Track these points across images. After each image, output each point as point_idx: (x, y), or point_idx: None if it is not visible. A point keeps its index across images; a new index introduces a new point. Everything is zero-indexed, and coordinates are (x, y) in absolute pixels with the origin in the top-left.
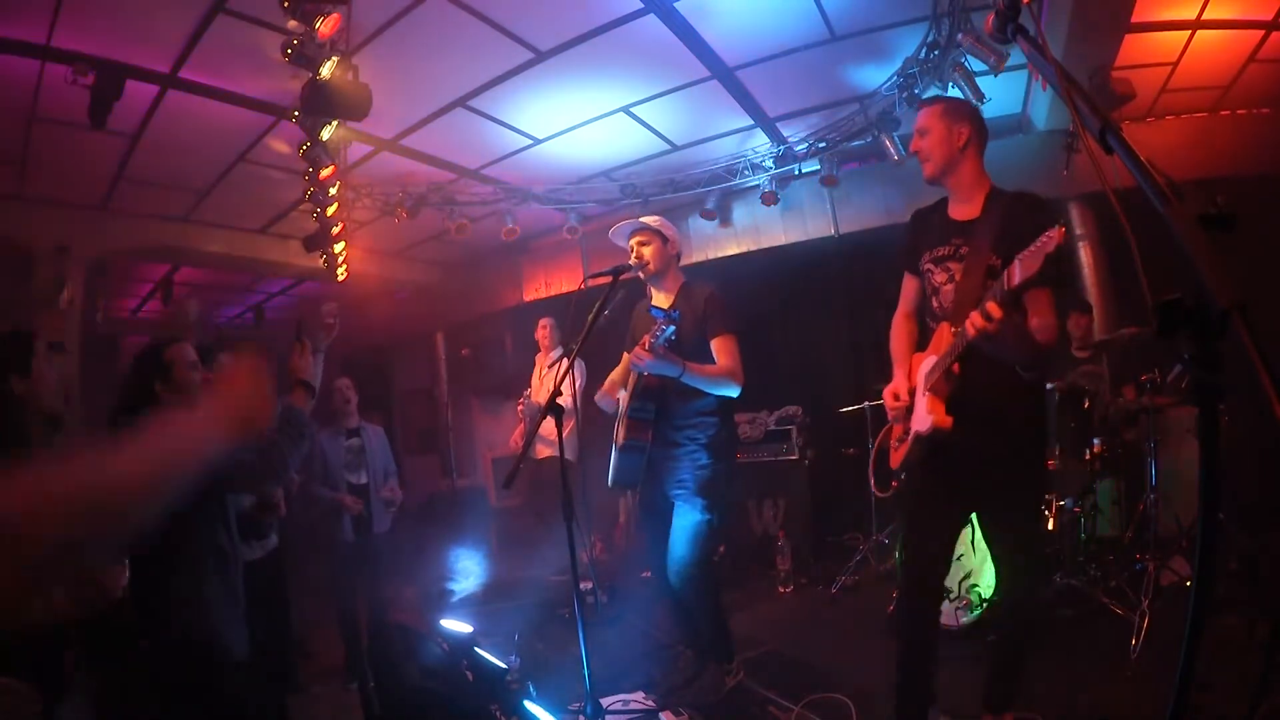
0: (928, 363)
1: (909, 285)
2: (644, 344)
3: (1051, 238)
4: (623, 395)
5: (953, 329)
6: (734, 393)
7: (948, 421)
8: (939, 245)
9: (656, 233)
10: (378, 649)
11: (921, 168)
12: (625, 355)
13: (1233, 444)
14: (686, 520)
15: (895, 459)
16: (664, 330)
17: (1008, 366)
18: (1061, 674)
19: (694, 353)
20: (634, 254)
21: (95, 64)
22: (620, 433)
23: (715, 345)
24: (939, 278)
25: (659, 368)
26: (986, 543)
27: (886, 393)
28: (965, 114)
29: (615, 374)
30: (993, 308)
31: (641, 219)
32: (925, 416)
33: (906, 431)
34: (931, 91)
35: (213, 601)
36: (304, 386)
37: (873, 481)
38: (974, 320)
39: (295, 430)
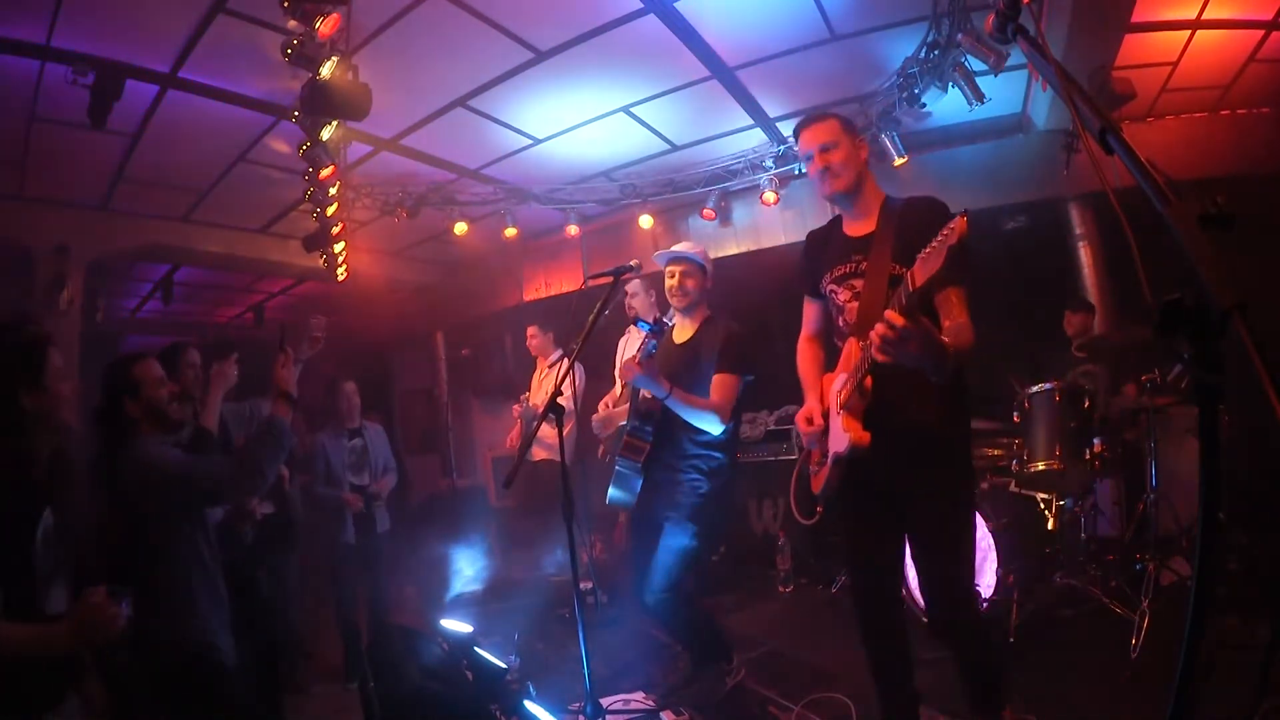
0: (838, 381)
1: (810, 309)
2: (635, 357)
3: (953, 229)
4: (623, 416)
5: (860, 343)
6: (716, 429)
7: (865, 438)
8: (839, 264)
9: (700, 266)
10: (378, 649)
11: (823, 185)
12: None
13: (1233, 443)
14: (673, 543)
15: (817, 484)
16: (647, 345)
17: (920, 376)
18: (1061, 674)
19: (702, 383)
20: (675, 280)
21: (95, 64)
22: (618, 451)
23: (716, 379)
24: (842, 296)
25: (645, 384)
26: (913, 558)
27: (799, 418)
28: (858, 130)
29: (611, 395)
30: (893, 315)
31: (685, 249)
32: (842, 436)
33: (825, 455)
34: (932, 92)
35: (200, 610)
36: (285, 398)
37: (795, 510)
38: (877, 330)
39: (274, 440)
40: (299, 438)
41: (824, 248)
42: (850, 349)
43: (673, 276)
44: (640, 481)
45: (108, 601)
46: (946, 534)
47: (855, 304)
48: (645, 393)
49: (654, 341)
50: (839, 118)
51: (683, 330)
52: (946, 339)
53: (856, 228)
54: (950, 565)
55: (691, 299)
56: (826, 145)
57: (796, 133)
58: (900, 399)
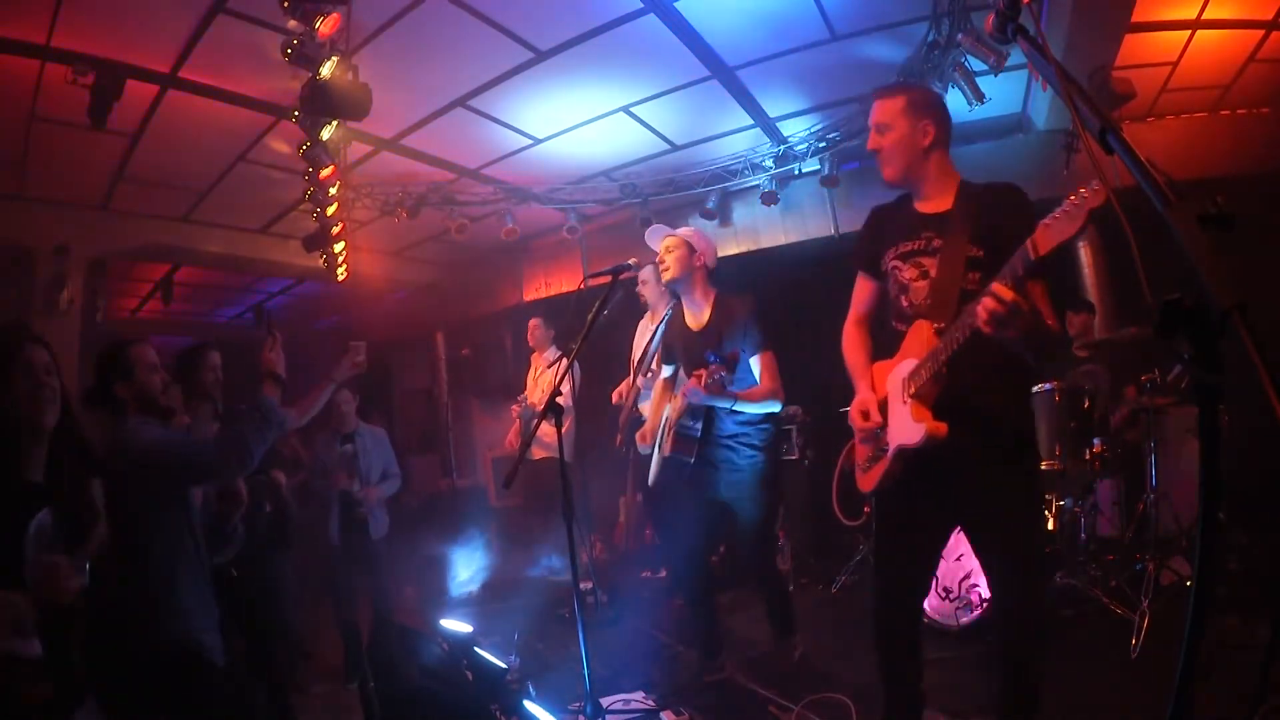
0: (904, 366)
1: (864, 288)
2: (700, 378)
3: (1097, 190)
4: (669, 406)
5: (935, 326)
6: (777, 409)
7: (942, 429)
8: (906, 240)
9: (685, 242)
10: (378, 649)
11: (880, 168)
12: (659, 365)
13: (1233, 444)
14: (753, 517)
15: (866, 482)
16: (719, 375)
17: (998, 364)
18: (1061, 674)
19: (734, 361)
20: (660, 255)
21: (95, 64)
22: (666, 443)
23: (759, 362)
24: (908, 274)
25: (712, 401)
26: (976, 554)
27: (854, 411)
28: (931, 108)
29: (653, 402)
30: (1001, 289)
31: (678, 230)
32: (913, 426)
33: (878, 451)
34: None
35: (186, 607)
36: (273, 378)
37: (838, 510)
38: (985, 304)
39: (262, 418)
40: (293, 444)
41: (890, 222)
42: (920, 332)
43: (659, 253)
44: (687, 471)
45: (65, 559)
46: (1022, 532)
47: (924, 284)
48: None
49: (724, 373)
50: (908, 93)
51: (695, 315)
52: (1049, 322)
53: (930, 205)
54: (1028, 564)
55: (675, 272)
56: (881, 125)
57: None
58: (976, 389)
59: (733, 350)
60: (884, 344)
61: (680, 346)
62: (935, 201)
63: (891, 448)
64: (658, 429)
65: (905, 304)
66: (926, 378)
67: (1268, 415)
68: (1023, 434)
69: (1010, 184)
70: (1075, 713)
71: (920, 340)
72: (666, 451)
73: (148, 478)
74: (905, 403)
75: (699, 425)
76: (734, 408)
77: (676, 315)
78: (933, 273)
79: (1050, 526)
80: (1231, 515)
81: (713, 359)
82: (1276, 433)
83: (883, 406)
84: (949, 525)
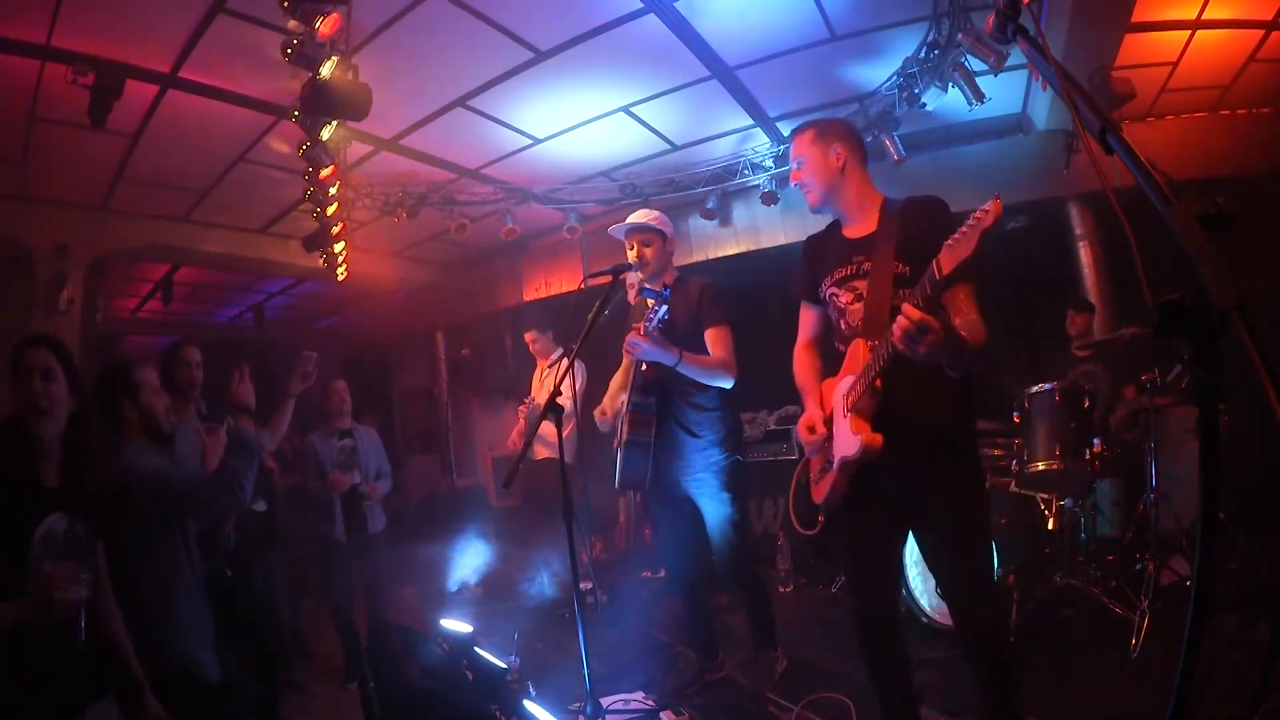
0: (844, 383)
1: (807, 315)
2: (639, 329)
3: (988, 211)
4: (623, 397)
5: (869, 344)
6: (728, 384)
7: (877, 440)
8: (839, 267)
9: (658, 232)
10: (377, 648)
11: (806, 198)
12: (625, 355)
13: (1232, 443)
14: (717, 516)
15: (819, 493)
16: (657, 311)
17: (930, 375)
18: (1061, 674)
19: (688, 344)
20: (635, 252)
21: (95, 64)
22: (624, 430)
23: (709, 336)
24: (844, 299)
25: (654, 354)
26: (927, 562)
27: (800, 426)
28: (838, 133)
29: (615, 380)
30: (910, 309)
31: (640, 217)
32: (852, 438)
33: (828, 463)
34: (932, 91)
35: (183, 625)
36: (244, 411)
37: (795, 521)
38: (899, 324)
39: (247, 453)
40: (290, 439)
41: (822, 252)
42: (856, 350)
43: (632, 248)
44: (649, 456)
45: (64, 572)
46: (966, 531)
47: (859, 305)
48: (645, 366)
49: (665, 308)
50: (814, 127)
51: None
52: (964, 334)
53: (855, 230)
54: (973, 562)
55: (654, 268)
56: (797, 160)
57: None
58: (910, 400)
59: (668, 291)
60: (833, 364)
61: (637, 320)
62: (860, 225)
63: (835, 460)
64: (617, 413)
65: (844, 327)
66: (862, 392)
67: (1268, 415)
68: (958, 440)
69: (929, 196)
70: (1074, 713)
71: (857, 358)
72: (624, 437)
73: (146, 506)
74: (845, 417)
75: (652, 400)
76: (678, 367)
77: (640, 303)
78: (865, 294)
79: (1050, 526)
80: (1231, 515)
81: (650, 294)
82: (1276, 432)
83: (829, 422)
84: (901, 530)
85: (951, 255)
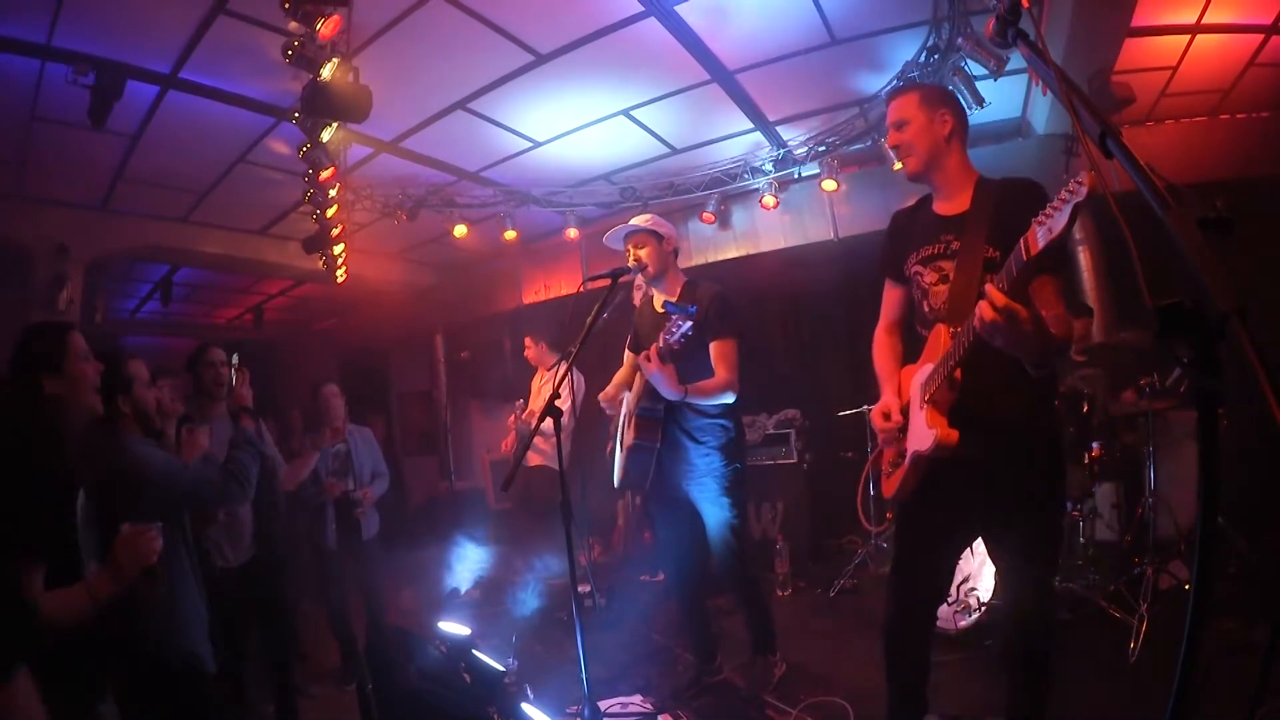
0: (922, 372)
1: (891, 295)
2: (654, 350)
3: (1081, 184)
4: (628, 395)
5: (951, 330)
6: (731, 399)
7: (953, 436)
8: (926, 244)
9: (651, 233)
10: (376, 651)
11: (903, 164)
12: (628, 355)
13: (1231, 446)
14: (717, 521)
15: (889, 487)
16: (680, 326)
17: (1014, 368)
18: (1060, 678)
19: (693, 354)
20: (630, 258)
21: (96, 64)
22: (628, 434)
23: (715, 349)
24: (929, 278)
25: (662, 385)
26: (992, 558)
27: (875, 413)
28: (946, 100)
29: (619, 375)
30: (994, 293)
31: (634, 221)
32: (926, 432)
33: (901, 455)
34: None
35: (186, 620)
36: (247, 412)
37: (862, 517)
38: (982, 311)
39: (253, 448)
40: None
41: (910, 227)
42: (938, 336)
43: (628, 254)
44: (652, 459)
45: (139, 530)
46: (1036, 540)
47: (943, 288)
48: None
49: (690, 324)
50: (921, 90)
51: (662, 299)
52: (1052, 329)
53: (947, 207)
54: (1037, 573)
55: (654, 270)
56: (899, 122)
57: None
58: (991, 393)
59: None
60: (915, 349)
61: (647, 334)
62: (953, 202)
63: (908, 454)
64: (620, 415)
65: (927, 309)
66: (940, 383)
67: (1267, 418)
68: (1041, 441)
69: (1027, 179)
70: (1074, 716)
71: (938, 345)
72: (629, 441)
73: (154, 502)
74: (922, 408)
75: (660, 406)
76: (686, 400)
77: (646, 304)
78: (951, 276)
79: (1061, 530)
80: (1230, 519)
81: (673, 309)
82: (1275, 435)
83: (905, 411)
84: (969, 535)
85: (1043, 234)
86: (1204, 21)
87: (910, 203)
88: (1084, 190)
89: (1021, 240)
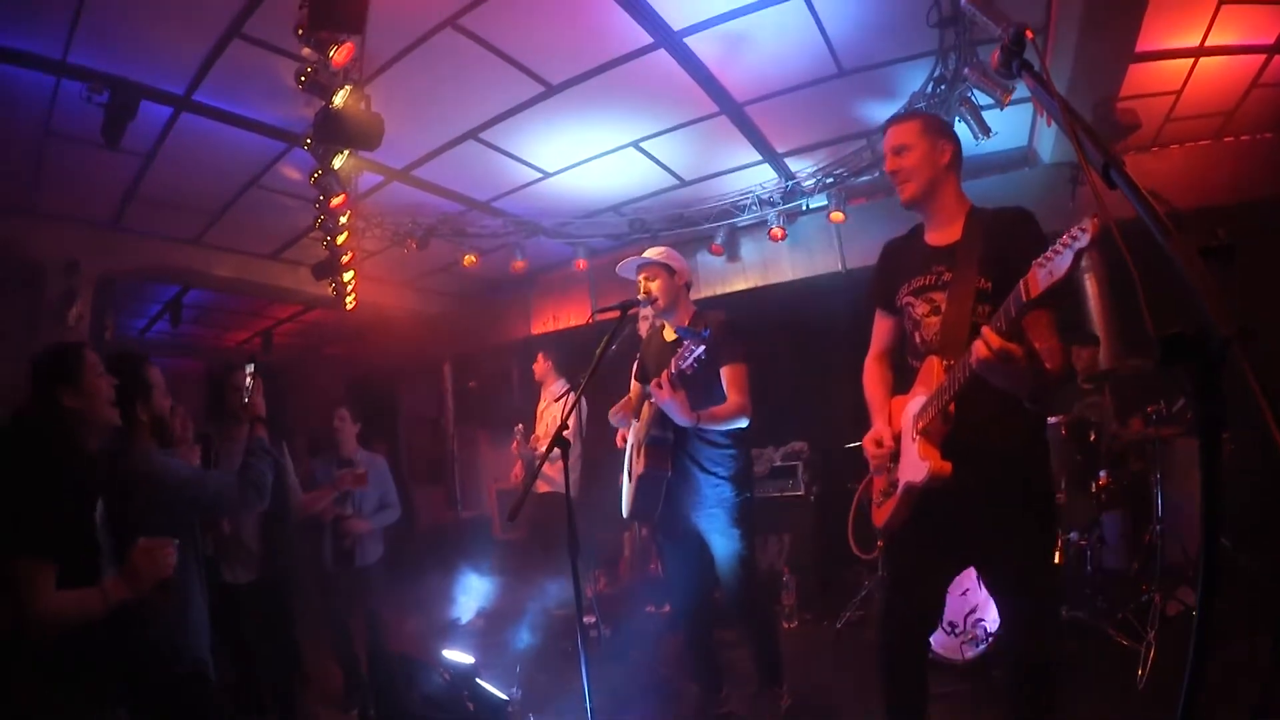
0: (915, 403)
1: (881, 325)
2: (665, 377)
3: (1085, 230)
4: (635, 424)
5: (944, 363)
6: (744, 425)
7: (946, 467)
8: (918, 275)
9: (663, 266)
10: (379, 677)
11: (899, 189)
12: (634, 385)
13: (1237, 470)
14: (726, 552)
15: (880, 516)
16: (693, 350)
17: (1008, 401)
18: (1067, 707)
19: (704, 380)
20: (641, 289)
21: (110, 82)
22: (637, 463)
23: (726, 374)
24: (920, 309)
25: (673, 411)
26: (989, 591)
27: (867, 441)
28: (945, 131)
29: (625, 402)
30: (990, 334)
31: (647, 253)
32: (919, 464)
33: (891, 484)
34: None
35: (196, 629)
36: (260, 421)
37: (853, 543)
38: (977, 349)
39: (268, 456)
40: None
41: (902, 257)
42: (930, 368)
43: (640, 285)
44: (662, 489)
45: (158, 543)
46: (1029, 575)
47: (935, 319)
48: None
49: (702, 348)
50: (923, 117)
51: (672, 329)
52: (1048, 364)
53: (939, 236)
54: (1043, 603)
55: (664, 303)
56: (899, 147)
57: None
58: (983, 426)
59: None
60: (905, 379)
61: (654, 363)
62: (945, 232)
63: (900, 485)
64: (627, 450)
65: (919, 340)
66: (934, 415)
67: (1269, 443)
68: (1033, 475)
69: (1019, 209)
70: None
71: (931, 376)
72: (639, 470)
73: (174, 510)
74: (914, 440)
75: (670, 434)
76: (698, 427)
77: (654, 334)
78: (943, 308)
79: (1056, 560)
80: (1236, 541)
81: (685, 334)
82: (1277, 460)
83: (897, 439)
84: (959, 565)
85: (1044, 276)
86: (1207, 44)
87: (902, 233)
88: (1087, 238)
89: (1022, 282)
